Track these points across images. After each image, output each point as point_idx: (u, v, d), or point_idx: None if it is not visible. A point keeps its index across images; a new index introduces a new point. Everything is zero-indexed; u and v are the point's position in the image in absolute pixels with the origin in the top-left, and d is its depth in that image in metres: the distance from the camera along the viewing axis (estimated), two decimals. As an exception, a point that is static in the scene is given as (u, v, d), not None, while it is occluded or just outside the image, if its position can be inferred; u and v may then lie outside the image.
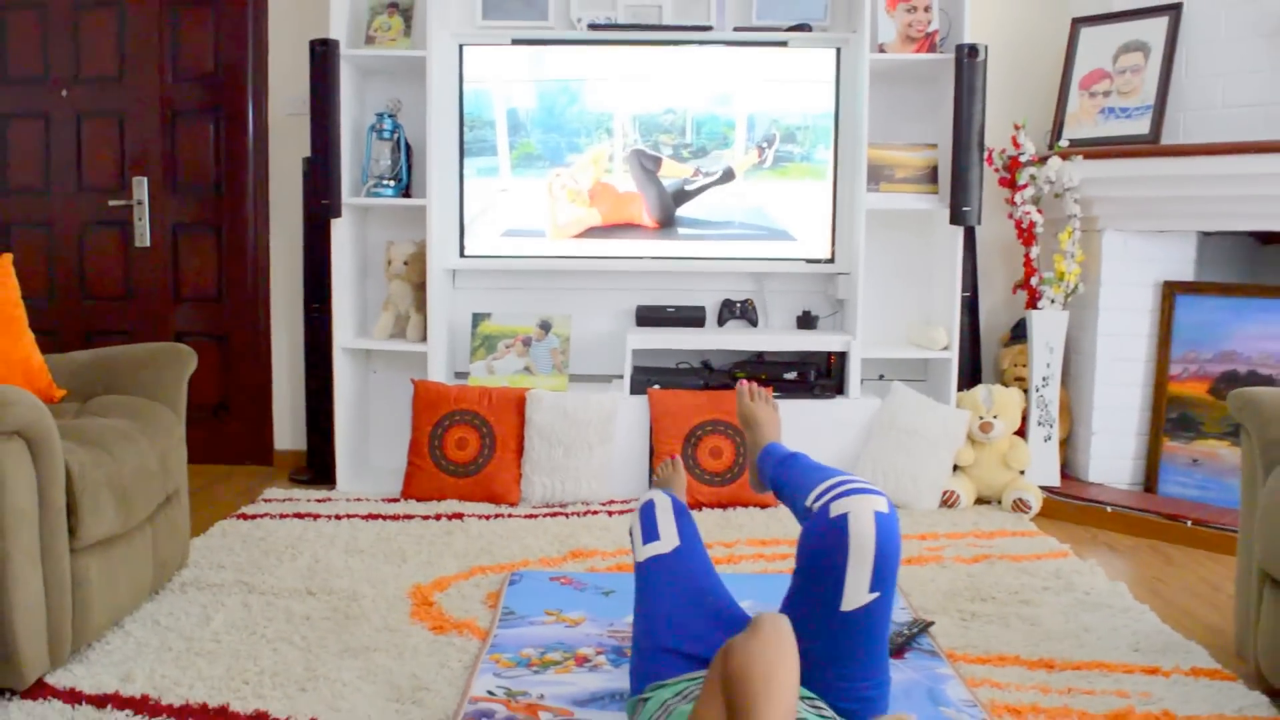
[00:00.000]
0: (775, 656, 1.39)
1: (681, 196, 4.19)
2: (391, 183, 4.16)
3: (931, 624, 2.71)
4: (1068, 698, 2.35)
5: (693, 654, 1.94)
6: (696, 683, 1.90)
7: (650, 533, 2.18)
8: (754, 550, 3.37)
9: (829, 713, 1.74)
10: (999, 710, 2.28)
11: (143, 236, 4.56)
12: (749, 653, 1.39)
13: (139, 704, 2.26)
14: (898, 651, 2.54)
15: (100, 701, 2.27)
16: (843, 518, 1.73)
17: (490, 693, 2.29)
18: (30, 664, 2.27)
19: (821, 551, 1.76)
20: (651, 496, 2.32)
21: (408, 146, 4.21)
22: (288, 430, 4.61)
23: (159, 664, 2.46)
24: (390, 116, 4.15)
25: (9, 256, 2.85)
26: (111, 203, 4.54)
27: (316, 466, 4.30)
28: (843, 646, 1.76)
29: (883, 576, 1.72)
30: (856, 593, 1.71)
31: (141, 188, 4.53)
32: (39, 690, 2.31)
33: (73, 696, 2.29)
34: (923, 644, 2.61)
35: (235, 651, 2.54)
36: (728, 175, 4.18)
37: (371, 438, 4.41)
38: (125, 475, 2.57)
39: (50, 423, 2.29)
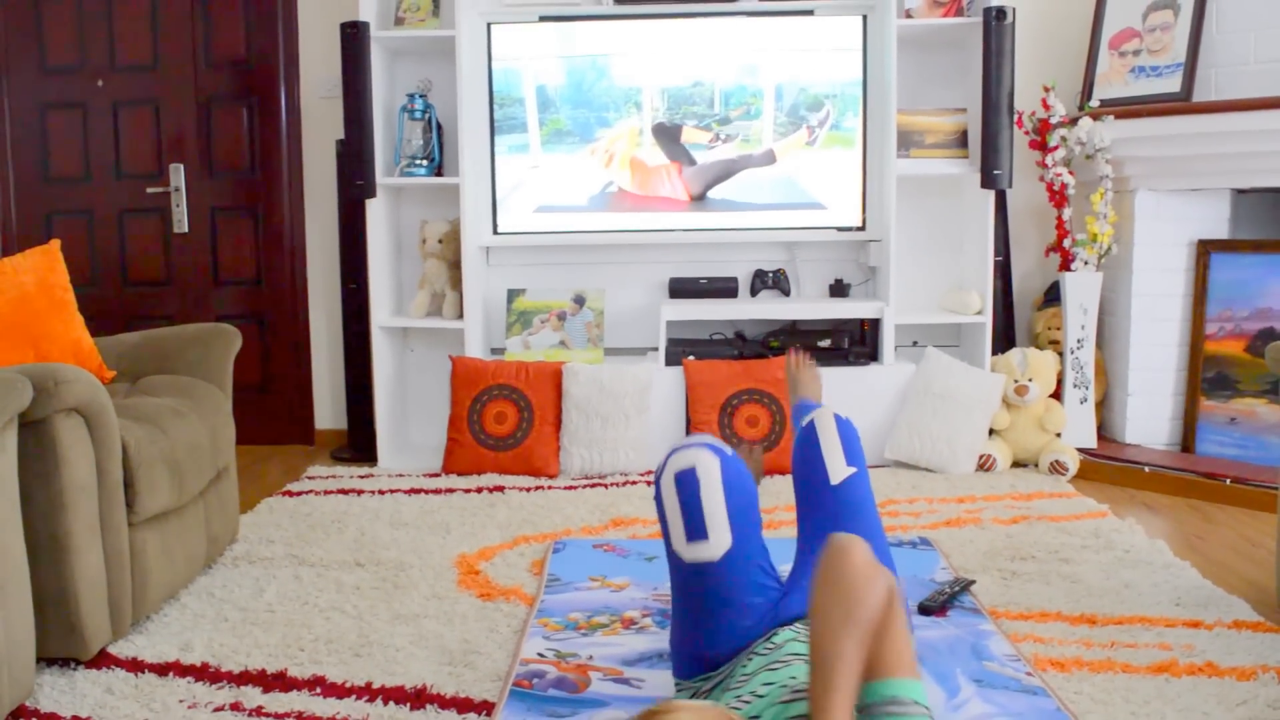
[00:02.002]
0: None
1: (720, 173, 4.20)
2: (424, 162, 4.20)
3: (973, 582, 2.74)
4: (1110, 651, 2.37)
5: (733, 649, 1.93)
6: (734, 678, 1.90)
7: (696, 528, 1.89)
8: (791, 516, 3.39)
9: None
10: (1042, 664, 2.30)
11: (181, 222, 4.63)
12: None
13: (199, 671, 2.32)
14: (940, 609, 2.57)
15: (162, 670, 2.33)
16: (810, 423, 2.22)
17: (540, 655, 2.34)
18: (94, 634, 2.34)
19: (803, 448, 2.20)
20: (693, 463, 1.91)
21: (439, 126, 4.25)
22: (328, 410, 4.68)
23: (216, 633, 2.52)
24: (421, 97, 4.19)
25: (57, 243, 2.91)
26: (150, 189, 4.61)
27: (357, 444, 4.36)
28: (842, 517, 2.11)
29: (852, 454, 2.16)
30: (837, 468, 2.14)
31: (179, 174, 4.59)
32: (102, 660, 2.38)
33: (135, 665, 2.36)
34: (965, 602, 2.64)
35: (289, 620, 2.60)
36: (768, 157, 4.19)
37: (411, 415, 4.47)
38: (178, 451, 2.63)
39: (106, 399, 2.35)
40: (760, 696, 1.66)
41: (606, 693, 2.16)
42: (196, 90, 4.55)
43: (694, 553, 1.90)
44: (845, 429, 2.20)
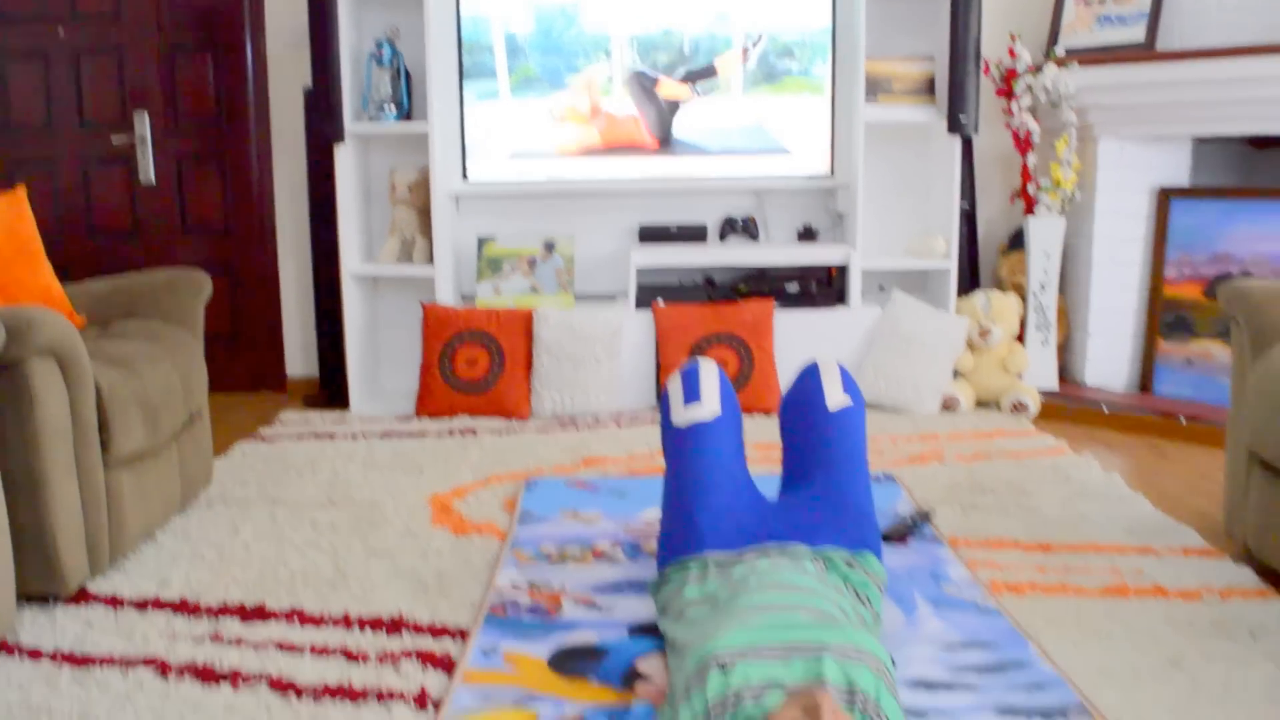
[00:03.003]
0: None
1: (675, 105, 4.23)
2: (393, 109, 4.20)
3: (933, 513, 2.82)
4: (1064, 575, 2.46)
5: (720, 526, 2.06)
6: (715, 567, 2.01)
7: (692, 393, 2.22)
8: (761, 454, 3.47)
9: (841, 555, 2.01)
10: (998, 588, 2.39)
11: (146, 172, 4.60)
12: None
13: (178, 606, 2.37)
14: (901, 538, 2.65)
15: (141, 605, 2.38)
16: (813, 362, 2.35)
17: (513, 584, 2.40)
18: (72, 572, 2.38)
19: (801, 378, 2.32)
20: (697, 360, 2.34)
21: (407, 73, 4.24)
22: (299, 357, 4.70)
23: (194, 570, 2.57)
24: (389, 43, 4.18)
25: (23, 189, 2.91)
26: (114, 139, 4.58)
27: (329, 391, 4.39)
28: (832, 444, 2.21)
29: (850, 388, 2.27)
30: (835, 396, 2.25)
31: (143, 123, 4.56)
32: (81, 597, 2.42)
33: (114, 601, 2.40)
34: (925, 532, 2.72)
35: (265, 557, 2.64)
36: (709, 70, 4.20)
37: (382, 361, 4.50)
38: (151, 393, 2.65)
39: (79, 341, 2.37)
40: (753, 628, 1.72)
41: (577, 617, 2.23)
42: (160, 38, 4.50)
43: (689, 414, 2.21)
44: (846, 372, 2.33)
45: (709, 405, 2.21)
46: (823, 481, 2.19)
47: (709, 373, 2.28)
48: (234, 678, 2.01)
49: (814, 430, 2.24)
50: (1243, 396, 2.55)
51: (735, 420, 2.27)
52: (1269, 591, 2.36)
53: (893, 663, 1.70)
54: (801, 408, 2.28)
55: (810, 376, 2.31)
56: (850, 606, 1.89)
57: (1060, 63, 4.02)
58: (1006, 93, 4.14)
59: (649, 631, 2.13)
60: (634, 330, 4.08)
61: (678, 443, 2.22)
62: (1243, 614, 2.25)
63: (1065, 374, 4.31)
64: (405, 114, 4.24)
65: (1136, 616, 2.24)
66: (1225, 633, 2.17)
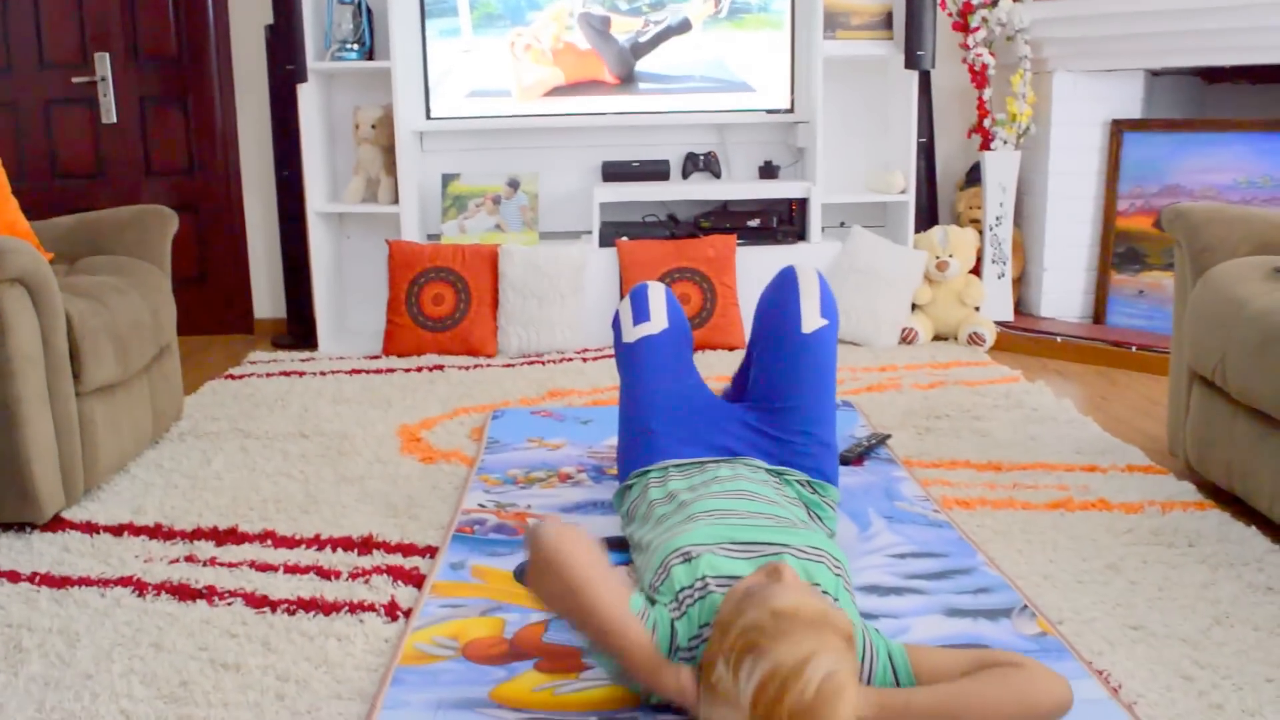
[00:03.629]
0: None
1: (640, 49, 4.25)
2: (355, 46, 4.20)
3: (889, 436, 2.91)
4: (1013, 492, 2.56)
5: (676, 434, 2.15)
6: (676, 470, 2.10)
7: (641, 314, 2.29)
8: (720, 386, 3.54)
9: (796, 476, 2.07)
10: (949, 503, 2.48)
11: (109, 112, 4.58)
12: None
13: (153, 530, 2.42)
14: (857, 459, 2.74)
15: (116, 530, 2.43)
16: (789, 267, 2.31)
17: (481, 505, 2.47)
18: (47, 500, 2.42)
19: (777, 289, 2.28)
20: (645, 283, 2.39)
21: (368, 10, 4.23)
22: (266, 298, 4.72)
23: (167, 498, 2.62)
24: (350, -21, 4.16)
25: (-14, 124, 2.91)
26: (75, 79, 4.55)
27: (297, 331, 4.42)
28: (804, 370, 2.20)
29: (827, 308, 2.24)
30: (811, 317, 2.21)
31: (104, 63, 4.53)
32: (57, 524, 2.47)
33: (90, 528, 2.45)
34: (880, 454, 2.81)
35: (237, 485, 2.70)
36: (684, 25, 4.24)
37: (349, 301, 4.53)
38: (121, 325, 2.69)
39: (49, 270, 2.40)
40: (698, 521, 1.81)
41: (543, 535, 2.30)
42: (119, -26, 4.47)
43: (639, 332, 2.28)
44: (824, 283, 2.29)
45: (657, 321, 2.28)
46: (787, 407, 2.21)
47: (656, 292, 2.34)
48: (209, 594, 2.08)
49: (785, 350, 2.23)
50: (1184, 317, 2.64)
51: (684, 333, 2.34)
52: (1207, 503, 2.47)
53: (849, 570, 1.79)
54: (775, 323, 2.25)
55: (789, 289, 2.26)
56: (805, 519, 1.97)
57: (1016, -3, 4.07)
58: (963, 27, 4.19)
59: (615, 546, 2.21)
60: (598, 267, 4.13)
61: (630, 359, 2.29)
62: (1181, 524, 2.35)
63: (1021, 306, 4.41)
64: (367, 52, 4.24)
65: (1080, 527, 2.34)
66: (1163, 540, 2.27)
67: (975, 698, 1.45)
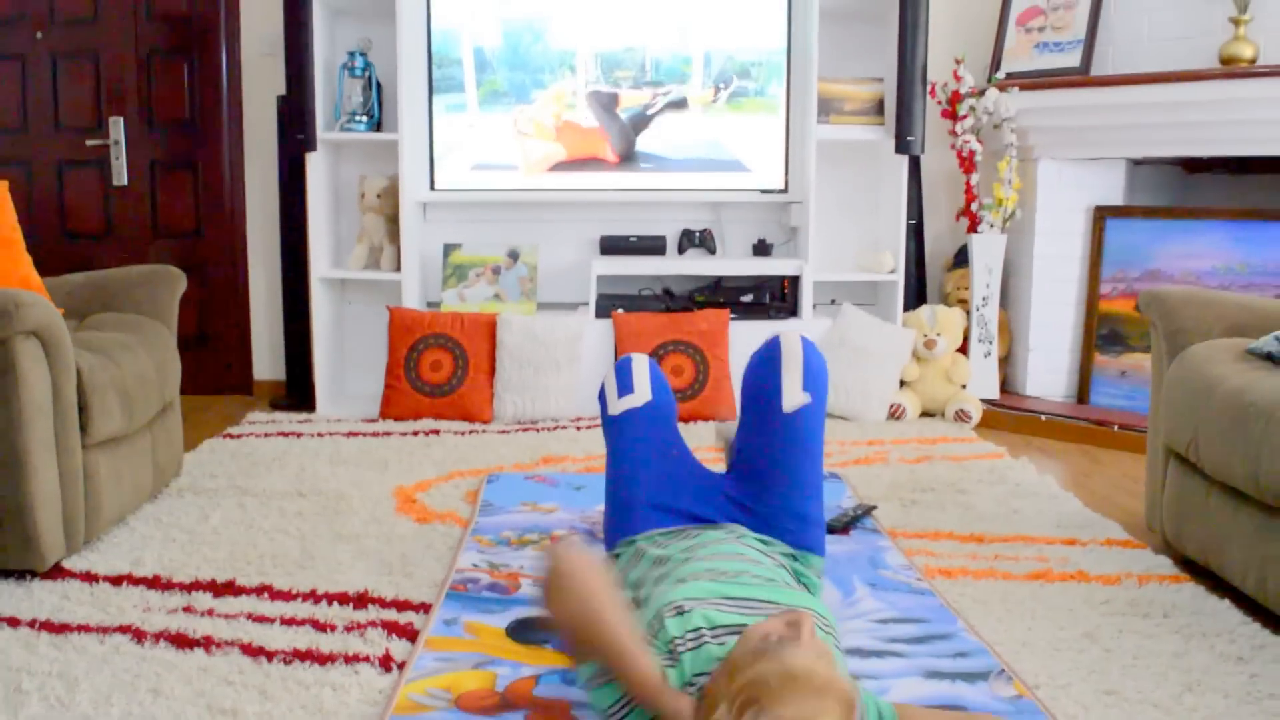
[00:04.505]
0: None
1: (640, 123, 4.40)
2: (364, 119, 4.34)
3: (874, 508, 2.97)
4: (994, 562, 2.62)
5: (660, 504, 2.21)
6: (663, 537, 2.16)
7: (625, 386, 2.32)
8: (712, 457, 3.61)
9: (780, 548, 2.06)
10: (932, 572, 2.54)
11: (120, 175, 4.70)
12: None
13: (152, 581, 2.47)
14: (844, 529, 2.80)
15: (116, 580, 2.48)
16: (775, 338, 2.27)
17: (475, 565, 2.52)
18: (49, 548, 2.47)
19: (761, 364, 2.25)
20: (629, 355, 2.42)
21: (378, 84, 4.38)
22: (267, 361, 4.80)
23: (166, 551, 2.67)
24: (361, 55, 4.31)
25: (4, 183, 3.01)
26: (89, 142, 4.68)
27: (296, 394, 4.48)
28: (786, 448, 2.20)
29: (812, 380, 2.19)
30: (793, 394, 2.18)
31: (118, 127, 4.66)
32: (57, 573, 2.51)
33: (89, 577, 2.50)
34: (866, 524, 2.88)
35: (235, 541, 2.75)
36: (681, 102, 4.39)
37: (349, 366, 4.61)
38: (128, 380, 2.76)
39: (62, 324, 2.48)
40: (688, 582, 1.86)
41: (536, 594, 2.36)
42: (137, 44, 4.62)
43: (623, 405, 2.30)
44: (811, 353, 2.23)
45: (640, 394, 2.31)
46: (772, 483, 2.23)
47: (640, 365, 2.36)
48: (207, 644, 2.12)
49: (767, 428, 2.22)
50: (1160, 396, 2.73)
51: (668, 405, 2.35)
52: (1182, 576, 2.53)
53: (837, 629, 1.84)
54: (756, 401, 2.24)
55: (772, 365, 2.22)
56: (790, 581, 2.03)
57: (1001, 87, 4.22)
58: (951, 114, 4.34)
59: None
60: (594, 337, 4.22)
61: (614, 431, 2.33)
62: (1157, 596, 2.42)
63: (1007, 385, 4.50)
64: (376, 124, 4.37)
65: (1058, 597, 2.40)
66: (1140, 611, 2.33)
67: None
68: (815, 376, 2.21)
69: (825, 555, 2.27)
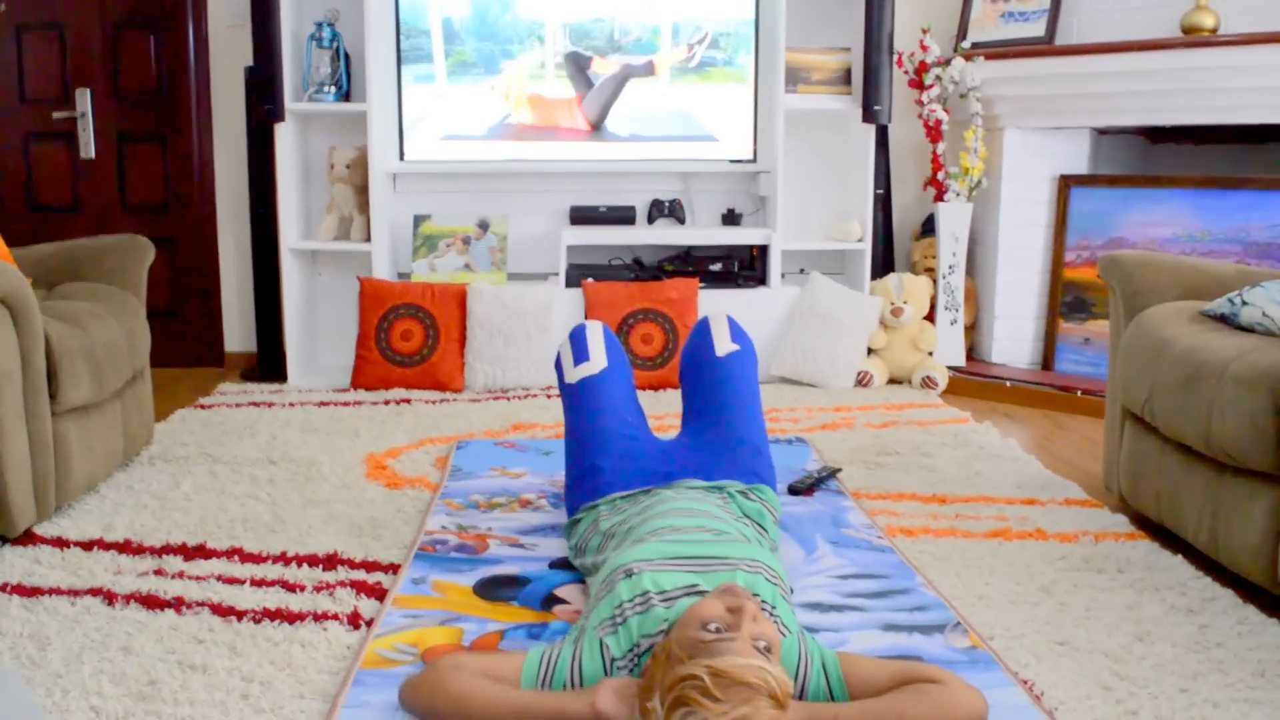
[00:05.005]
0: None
1: (612, 91, 4.41)
2: (332, 89, 4.33)
3: (839, 470, 3.02)
4: (954, 522, 2.67)
5: (619, 469, 2.25)
6: (622, 501, 2.20)
7: (581, 354, 2.39)
8: (679, 424, 3.65)
9: (734, 486, 2.21)
10: (893, 532, 2.59)
11: (87, 147, 4.67)
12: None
13: (122, 546, 2.49)
14: (808, 490, 2.85)
15: (87, 545, 2.49)
16: (704, 317, 2.54)
17: (444, 526, 2.56)
18: (20, 514, 2.48)
19: (694, 334, 2.51)
20: (584, 323, 2.50)
21: (346, 55, 4.37)
22: (237, 333, 4.80)
23: (137, 517, 2.69)
24: (329, 25, 4.30)
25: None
26: (55, 115, 4.64)
27: (267, 366, 4.49)
28: (724, 385, 2.41)
29: (739, 336, 2.46)
30: (722, 342, 2.44)
31: (85, 99, 4.63)
32: (28, 539, 2.53)
33: (60, 542, 2.51)
34: (830, 486, 2.92)
35: (206, 506, 2.77)
36: (648, 68, 4.40)
37: (320, 337, 4.62)
38: (97, 348, 2.77)
39: (30, 291, 2.48)
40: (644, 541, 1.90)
41: (503, 554, 2.39)
42: (103, 15, 4.58)
43: (580, 373, 2.37)
44: (734, 321, 2.52)
45: (596, 361, 2.38)
46: (716, 422, 2.38)
47: (594, 332, 2.44)
48: (177, 604, 2.15)
49: (705, 376, 2.43)
50: (1117, 357, 2.78)
51: (624, 370, 2.46)
52: (1138, 534, 2.59)
53: (787, 580, 1.89)
54: (694, 357, 2.47)
55: (701, 329, 2.50)
56: (751, 533, 2.07)
57: (967, 56, 4.26)
58: (918, 84, 4.38)
59: (569, 566, 2.30)
60: (564, 306, 4.24)
61: (572, 399, 2.40)
62: (1112, 552, 2.48)
63: (973, 352, 4.56)
64: (344, 94, 4.37)
65: (1016, 555, 2.46)
66: (1094, 567, 2.39)
67: (897, 714, 1.56)
68: (741, 335, 2.48)
69: (788, 509, 2.34)
